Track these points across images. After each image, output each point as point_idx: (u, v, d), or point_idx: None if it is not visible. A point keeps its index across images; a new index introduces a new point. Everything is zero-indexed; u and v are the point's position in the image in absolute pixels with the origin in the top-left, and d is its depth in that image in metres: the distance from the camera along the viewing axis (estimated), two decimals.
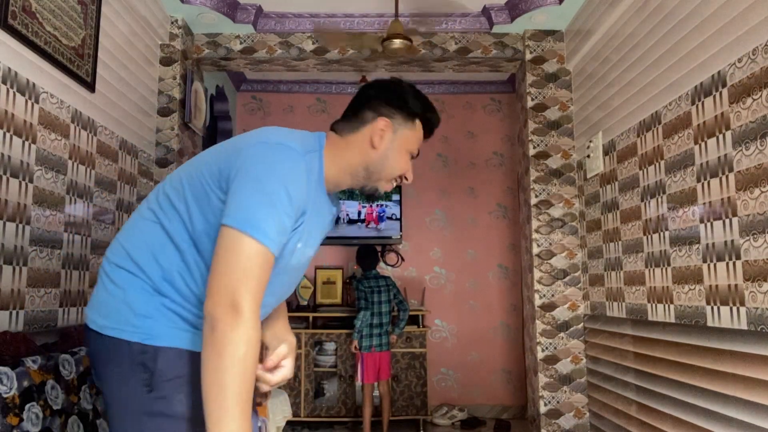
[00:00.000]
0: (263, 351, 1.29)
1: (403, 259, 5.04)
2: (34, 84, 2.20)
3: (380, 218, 4.94)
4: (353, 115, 1.29)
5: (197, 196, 1.16)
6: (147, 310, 1.14)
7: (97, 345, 1.17)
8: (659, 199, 2.59)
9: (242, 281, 1.04)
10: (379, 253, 4.68)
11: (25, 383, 1.65)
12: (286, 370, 1.29)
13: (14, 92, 2.08)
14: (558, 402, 3.52)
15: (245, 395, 1.02)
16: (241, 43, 3.83)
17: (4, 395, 1.56)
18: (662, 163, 2.57)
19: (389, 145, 1.28)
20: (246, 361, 1.02)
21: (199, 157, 1.29)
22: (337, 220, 4.82)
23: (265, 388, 1.27)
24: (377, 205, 4.95)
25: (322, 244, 1.38)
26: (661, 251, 2.58)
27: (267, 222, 1.07)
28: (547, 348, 3.55)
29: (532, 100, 3.74)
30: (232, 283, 1.03)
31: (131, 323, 1.13)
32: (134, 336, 1.13)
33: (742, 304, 2.00)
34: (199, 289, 1.15)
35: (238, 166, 1.13)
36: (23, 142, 2.13)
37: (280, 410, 3.10)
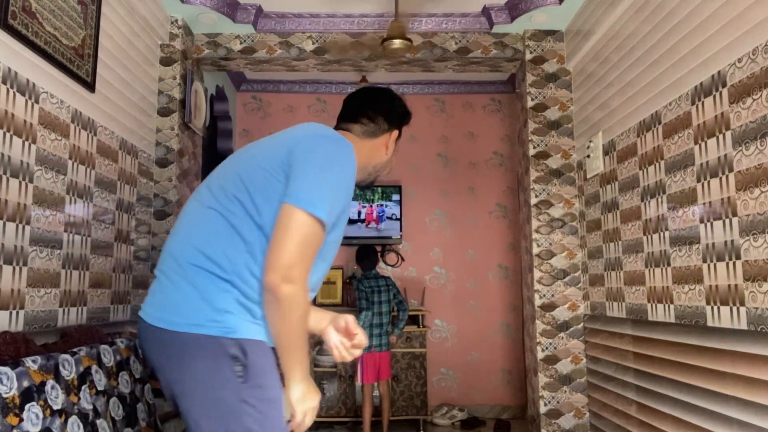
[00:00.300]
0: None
1: (403, 259, 5.04)
2: (34, 84, 2.20)
3: (380, 218, 4.94)
4: (370, 122, 1.56)
5: (260, 186, 1.29)
6: (225, 305, 1.24)
7: (174, 342, 1.23)
8: (659, 199, 2.59)
9: (298, 254, 1.22)
10: (379, 253, 4.68)
11: (25, 383, 1.65)
12: (362, 334, 1.53)
13: (14, 92, 2.08)
14: (558, 402, 3.52)
15: (304, 344, 1.28)
16: (241, 43, 3.83)
17: (4, 395, 1.56)
18: (662, 163, 2.57)
19: (392, 150, 1.61)
20: (304, 318, 1.27)
21: (245, 152, 1.44)
22: None
23: (357, 353, 1.53)
24: (377, 205, 4.95)
25: None
26: (661, 251, 2.58)
27: (325, 202, 1.25)
28: (547, 348, 3.55)
29: (532, 100, 3.74)
30: (290, 257, 1.21)
31: (212, 318, 1.23)
32: (216, 330, 1.22)
33: (742, 304, 2.00)
34: (256, 274, 1.27)
35: (299, 152, 1.30)
36: (23, 142, 2.13)
37: None
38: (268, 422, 1.25)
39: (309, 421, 1.33)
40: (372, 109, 1.57)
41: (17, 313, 2.11)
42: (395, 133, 1.60)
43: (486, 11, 3.69)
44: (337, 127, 1.55)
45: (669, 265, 2.51)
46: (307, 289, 1.26)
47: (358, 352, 1.53)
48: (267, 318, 1.26)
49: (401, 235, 4.96)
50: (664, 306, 2.54)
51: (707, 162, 2.22)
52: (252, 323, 1.28)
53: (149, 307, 1.31)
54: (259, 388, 1.25)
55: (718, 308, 2.14)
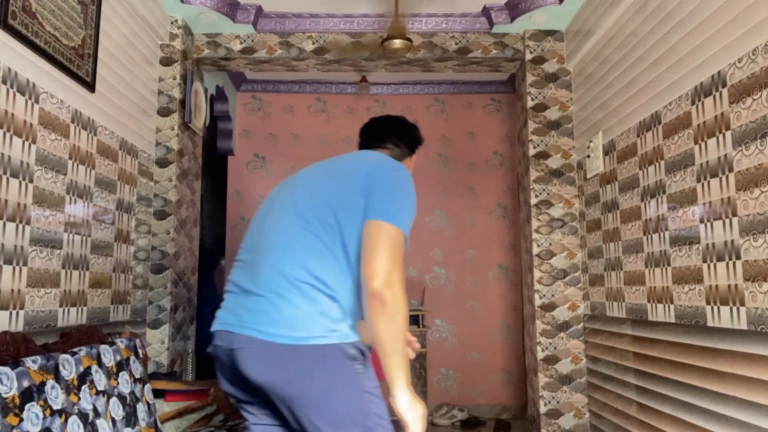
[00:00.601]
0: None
1: None
2: (34, 84, 2.20)
3: None
4: (395, 147, 1.81)
5: (346, 210, 1.45)
6: (337, 315, 1.40)
7: (298, 355, 1.35)
8: (659, 199, 2.59)
9: (394, 261, 1.38)
10: None
11: (25, 383, 1.65)
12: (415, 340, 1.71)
13: (14, 92, 2.08)
14: (558, 402, 3.52)
15: (406, 350, 1.42)
16: (241, 43, 3.83)
17: (4, 395, 1.56)
18: (662, 163, 2.57)
19: (411, 170, 1.81)
20: (407, 320, 1.40)
21: (319, 175, 1.59)
22: None
23: (412, 355, 1.65)
24: None
25: None
26: (661, 251, 2.58)
27: (406, 218, 1.45)
28: (547, 348, 3.55)
29: (532, 100, 3.74)
30: (389, 265, 1.37)
31: (331, 329, 1.38)
32: (337, 339, 1.37)
33: (742, 304, 2.00)
34: (345, 288, 1.43)
35: (376, 177, 1.49)
36: (23, 142, 2.14)
37: None
38: (383, 404, 1.43)
39: (420, 430, 1.40)
40: (396, 136, 1.83)
41: (17, 313, 2.11)
42: (414, 156, 1.88)
43: (486, 11, 3.69)
44: (370, 147, 1.80)
45: (669, 265, 2.51)
46: (405, 293, 1.39)
47: (413, 355, 1.69)
48: (373, 323, 1.38)
49: None
50: (664, 306, 2.54)
51: (707, 162, 2.22)
52: (352, 329, 1.45)
53: (260, 325, 1.37)
54: (372, 378, 1.43)
55: (718, 308, 2.14)
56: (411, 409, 1.38)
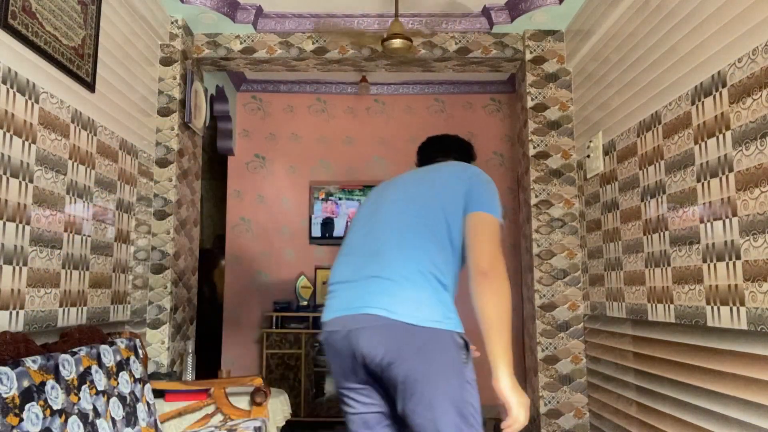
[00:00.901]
0: None
1: None
2: (34, 84, 2.20)
3: None
4: (458, 159, 1.93)
5: (453, 212, 1.60)
6: (450, 305, 1.53)
7: (419, 335, 1.46)
8: (659, 199, 2.59)
9: (496, 245, 1.53)
10: None
11: (25, 383, 1.65)
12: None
13: (14, 92, 2.08)
14: (558, 402, 3.52)
15: (510, 334, 1.52)
16: (241, 43, 3.83)
17: (4, 395, 1.56)
18: (662, 163, 2.57)
19: None
20: (510, 301, 1.51)
21: (417, 182, 1.74)
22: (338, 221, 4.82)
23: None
24: None
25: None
26: (661, 251, 2.58)
27: (499, 210, 1.62)
28: (547, 348, 3.55)
29: (532, 100, 3.74)
30: (492, 247, 1.52)
31: (447, 316, 1.51)
32: (449, 326, 1.50)
33: (742, 304, 2.00)
34: (454, 280, 1.58)
35: (472, 183, 1.65)
36: (23, 142, 2.14)
37: (280, 410, 3.10)
38: (478, 397, 1.55)
39: (524, 420, 1.46)
40: (457, 152, 1.99)
41: (17, 313, 2.11)
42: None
43: (486, 11, 3.69)
44: (435, 160, 1.93)
45: (669, 265, 2.51)
46: (507, 274, 1.50)
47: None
48: (480, 300, 1.48)
49: None
50: (664, 306, 2.54)
51: (707, 162, 2.22)
52: (458, 321, 1.54)
53: (386, 304, 1.47)
54: (472, 371, 1.55)
55: (718, 308, 2.14)
56: (514, 390, 1.49)
